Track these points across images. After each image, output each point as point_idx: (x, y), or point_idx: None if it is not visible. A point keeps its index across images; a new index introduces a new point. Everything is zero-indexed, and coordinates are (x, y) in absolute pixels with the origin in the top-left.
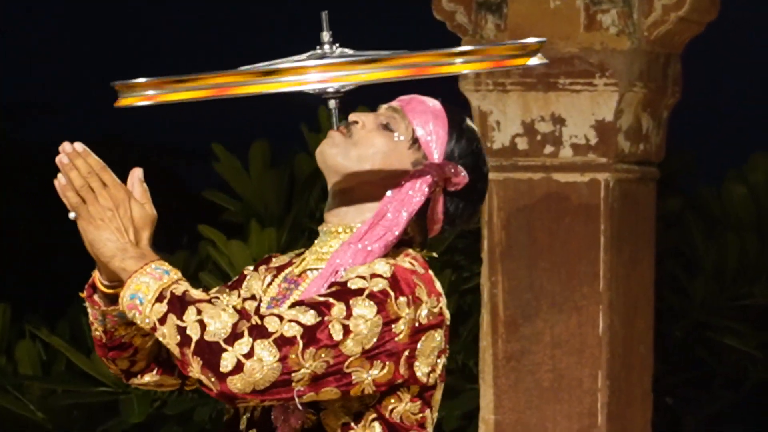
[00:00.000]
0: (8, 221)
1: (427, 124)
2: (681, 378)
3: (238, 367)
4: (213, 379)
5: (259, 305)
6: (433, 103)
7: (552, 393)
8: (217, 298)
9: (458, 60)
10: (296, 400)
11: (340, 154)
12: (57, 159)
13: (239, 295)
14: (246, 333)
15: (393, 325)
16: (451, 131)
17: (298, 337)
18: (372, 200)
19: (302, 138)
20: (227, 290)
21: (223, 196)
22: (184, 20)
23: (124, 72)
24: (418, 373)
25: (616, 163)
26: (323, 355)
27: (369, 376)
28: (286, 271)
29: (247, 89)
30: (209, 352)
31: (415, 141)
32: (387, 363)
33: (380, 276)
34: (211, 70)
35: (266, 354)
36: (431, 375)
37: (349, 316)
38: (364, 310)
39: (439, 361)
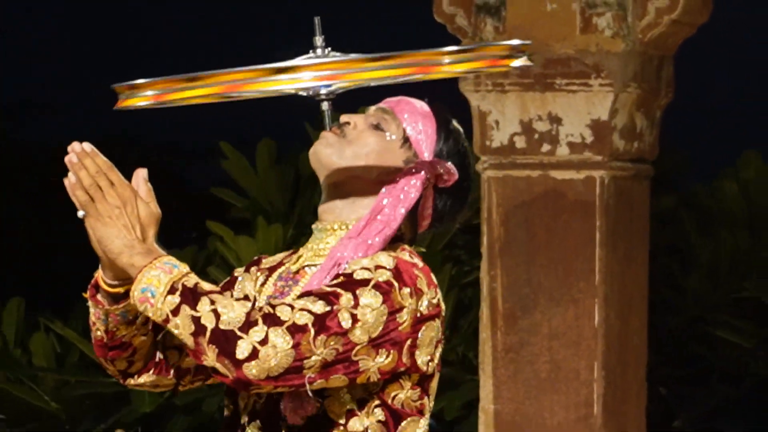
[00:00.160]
0: (23, 220)
1: (416, 124)
2: (675, 369)
3: (254, 354)
4: (230, 366)
5: (253, 304)
6: (421, 105)
7: (549, 384)
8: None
9: (446, 59)
10: (307, 386)
11: (335, 153)
12: (66, 158)
13: (232, 296)
14: (260, 321)
15: (397, 315)
16: (440, 131)
17: (310, 325)
18: (365, 197)
19: (306, 136)
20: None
21: (231, 193)
22: (184, 20)
23: (124, 72)
24: (419, 362)
25: (611, 161)
26: (333, 343)
27: (375, 364)
28: (280, 270)
29: (248, 87)
30: (225, 340)
31: (406, 140)
32: (391, 351)
33: (384, 267)
34: (210, 69)
35: (280, 341)
36: (430, 364)
37: (356, 305)
38: (370, 299)
39: (436, 350)
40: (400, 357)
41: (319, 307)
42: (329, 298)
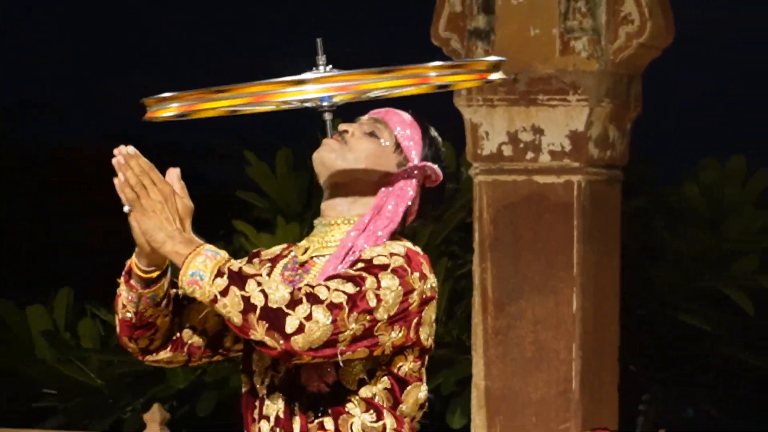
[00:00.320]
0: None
1: (405, 131)
2: (644, 349)
3: (300, 328)
4: (279, 339)
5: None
6: (406, 115)
7: (534, 363)
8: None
9: (433, 73)
10: (339, 357)
11: (339, 157)
12: (114, 161)
13: None
14: (304, 300)
15: (409, 296)
16: (424, 138)
17: (344, 303)
18: (364, 195)
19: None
20: None
21: (254, 195)
22: (184, 20)
23: (124, 72)
24: (422, 337)
25: (587, 167)
26: (361, 319)
27: (389, 339)
28: (284, 261)
29: (266, 98)
30: (275, 317)
31: (398, 146)
32: (403, 328)
33: (398, 254)
34: (210, 70)
35: (322, 316)
36: (429, 339)
37: (379, 287)
38: (389, 282)
39: (432, 328)
40: (408, 333)
41: (350, 287)
42: (356, 280)
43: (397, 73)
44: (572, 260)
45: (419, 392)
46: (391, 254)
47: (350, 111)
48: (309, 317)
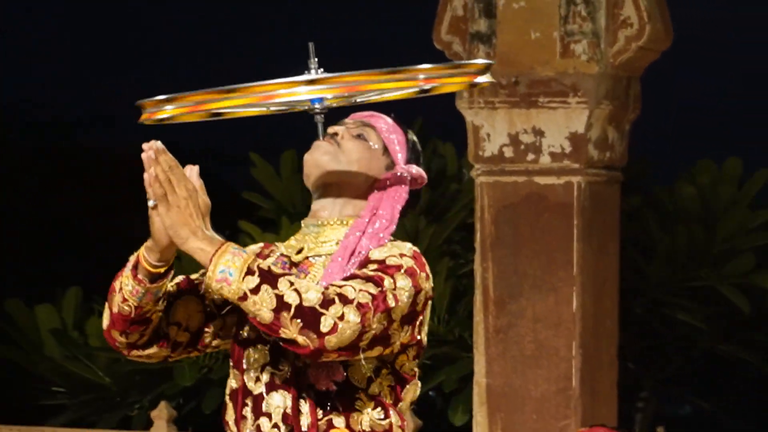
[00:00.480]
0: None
1: (390, 134)
2: (639, 342)
3: (334, 328)
4: (313, 338)
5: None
6: (389, 119)
7: (534, 360)
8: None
9: (421, 75)
10: (360, 356)
11: (333, 159)
12: (143, 155)
13: None
14: (337, 300)
15: (418, 296)
16: (407, 141)
17: (370, 303)
18: (355, 197)
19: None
20: None
21: (259, 196)
22: (184, 20)
23: (124, 72)
24: (422, 336)
25: (586, 168)
26: (382, 320)
27: (399, 338)
28: (269, 261)
29: (264, 99)
30: (310, 315)
31: (385, 149)
32: (409, 327)
33: (407, 255)
34: (211, 69)
35: (352, 316)
36: (426, 338)
37: (395, 287)
38: (403, 282)
39: (427, 327)
40: (413, 332)
41: (372, 288)
42: (375, 280)
43: (388, 75)
44: (572, 259)
45: (416, 390)
46: (401, 255)
47: (336, 114)
48: (342, 317)
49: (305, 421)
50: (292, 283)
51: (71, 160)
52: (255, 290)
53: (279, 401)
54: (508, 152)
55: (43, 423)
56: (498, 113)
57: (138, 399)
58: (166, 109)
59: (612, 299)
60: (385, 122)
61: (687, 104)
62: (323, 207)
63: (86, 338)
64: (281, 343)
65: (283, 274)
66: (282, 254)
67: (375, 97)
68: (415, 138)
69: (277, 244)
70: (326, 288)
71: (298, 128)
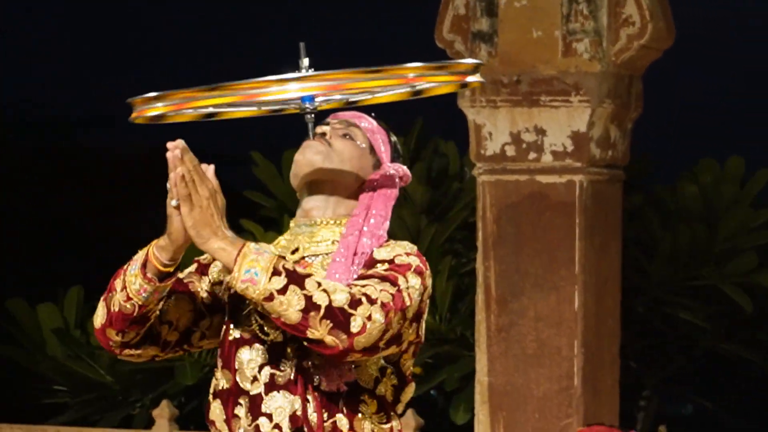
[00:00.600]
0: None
1: (375, 135)
2: (641, 340)
3: (363, 328)
4: (342, 338)
5: (235, 291)
6: (372, 119)
7: (536, 359)
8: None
9: (411, 74)
10: (379, 355)
11: (326, 159)
12: (169, 155)
13: (209, 281)
14: (364, 300)
15: (424, 294)
16: (389, 141)
17: (391, 303)
18: (346, 196)
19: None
20: (197, 275)
21: (260, 195)
22: (184, 20)
23: (124, 72)
24: (421, 333)
25: (588, 167)
26: (399, 319)
27: (407, 336)
28: None
29: (251, 97)
30: (341, 316)
31: (371, 148)
32: (415, 325)
33: (412, 254)
34: (211, 69)
35: (378, 316)
36: (423, 335)
37: (408, 286)
38: (414, 281)
39: None
40: (417, 330)
41: (390, 287)
42: (391, 279)
43: (377, 74)
44: (574, 258)
45: (412, 390)
46: (407, 254)
47: (326, 114)
48: (369, 317)
49: (311, 422)
50: (319, 284)
51: (71, 160)
52: (282, 291)
53: (282, 402)
54: (510, 151)
55: (45, 422)
56: (500, 112)
57: (140, 398)
58: (157, 106)
59: (614, 298)
60: (368, 122)
61: (689, 103)
62: (315, 207)
63: (88, 337)
64: (305, 343)
65: (309, 274)
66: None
67: (368, 98)
68: (394, 137)
69: (261, 244)
70: (349, 285)
71: (299, 127)
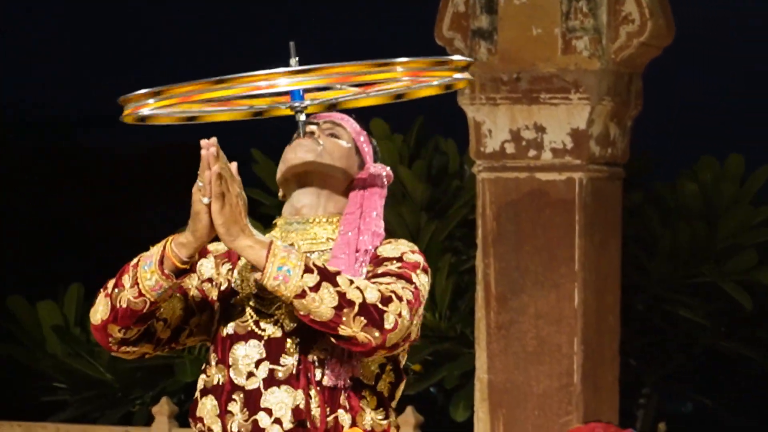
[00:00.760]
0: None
1: (358, 135)
2: (641, 338)
3: (395, 324)
4: (376, 335)
5: (226, 288)
6: (353, 120)
7: (535, 356)
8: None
9: (399, 69)
10: (399, 350)
11: (318, 157)
12: (204, 152)
13: (198, 278)
14: (394, 297)
15: (426, 291)
16: (370, 142)
17: (414, 300)
18: (337, 194)
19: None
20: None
21: (261, 192)
22: (184, 20)
23: (124, 72)
24: (417, 329)
25: (588, 165)
26: (416, 315)
27: (413, 334)
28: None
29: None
30: (375, 312)
31: (356, 148)
32: (417, 321)
33: (416, 252)
34: (211, 69)
35: (406, 313)
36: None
37: (420, 283)
38: (424, 278)
39: None
40: (418, 327)
41: (407, 284)
42: (406, 277)
43: (367, 67)
44: (573, 256)
45: (402, 387)
46: (412, 251)
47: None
48: (400, 314)
49: (314, 417)
50: (351, 281)
51: (71, 160)
52: (315, 288)
53: (283, 397)
54: (510, 148)
55: (45, 419)
56: (499, 109)
57: (139, 395)
58: (149, 103)
59: (614, 295)
60: (351, 121)
61: (689, 102)
62: (307, 204)
63: (88, 335)
64: (334, 340)
65: (338, 272)
66: None
67: (357, 98)
68: (372, 138)
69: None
70: (378, 282)
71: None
